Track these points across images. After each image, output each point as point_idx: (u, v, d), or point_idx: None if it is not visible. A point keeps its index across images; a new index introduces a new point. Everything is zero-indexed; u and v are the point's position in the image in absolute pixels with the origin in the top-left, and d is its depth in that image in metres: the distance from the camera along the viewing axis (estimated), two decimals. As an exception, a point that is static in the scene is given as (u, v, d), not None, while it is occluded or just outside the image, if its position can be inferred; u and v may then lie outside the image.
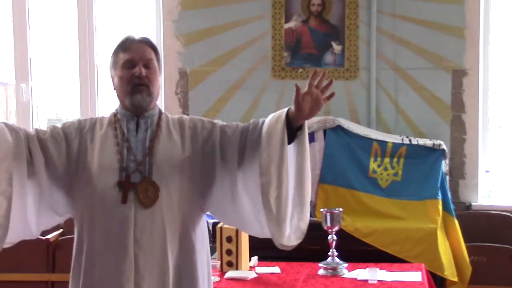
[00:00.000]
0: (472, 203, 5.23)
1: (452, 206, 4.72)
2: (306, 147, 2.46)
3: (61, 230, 5.08)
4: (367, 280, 3.61)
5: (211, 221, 4.03)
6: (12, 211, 2.38)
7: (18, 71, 5.61)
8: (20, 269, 4.85)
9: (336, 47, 5.31)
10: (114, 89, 2.58)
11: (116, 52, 2.56)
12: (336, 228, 3.84)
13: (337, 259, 3.81)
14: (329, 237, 3.82)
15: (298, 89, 2.40)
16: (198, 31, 5.43)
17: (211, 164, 2.52)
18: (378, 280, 3.61)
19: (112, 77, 2.59)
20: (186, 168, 2.51)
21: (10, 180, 2.37)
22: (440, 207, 4.62)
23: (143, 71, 2.50)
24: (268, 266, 3.90)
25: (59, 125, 2.57)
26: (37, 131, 2.52)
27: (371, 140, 4.90)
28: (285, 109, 2.46)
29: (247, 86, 5.39)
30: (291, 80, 5.29)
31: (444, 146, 4.82)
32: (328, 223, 3.82)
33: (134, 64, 2.51)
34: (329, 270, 3.77)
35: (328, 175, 4.85)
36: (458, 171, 5.23)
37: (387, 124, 5.26)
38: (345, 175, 4.84)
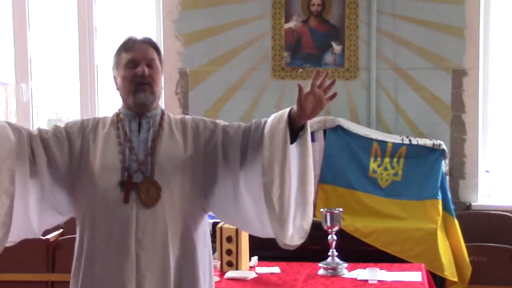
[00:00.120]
0: (472, 203, 5.23)
1: (452, 206, 4.72)
2: (308, 147, 2.46)
3: (61, 230, 5.07)
4: (367, 280, 3.61)
5: (211, 221, 4.02)
6: (15, 209, 2.38)
7: (18, 71, 5.60)
8: (20, 269, 4.84)
9: (336, 47, 5.30)
10: (117, 89, 2.58)
11: (118, 53, 2.57)
12: (336, 228, 3.84)
13: (337, 259, 3.81)
14: (329, 237, 3.82)
15: (300, 89, 2.40)
16: (198, 31, 5.43)
17: (213, 164, 2.52)
18: (378, 280, 3.61)
19: (114, 78, 2.59)
20: (188, 168, 2.51)
21: (13, 179, 2.37)
22: (440, 207, 4.62)
23: (146, 70, 2.50)
24: (268, 266, 3.90)
25: (62, 124, 2.58)
26: (39, 130, 2.53)
27: (371, 140, 4.89)
28: (287, 109, 2.46)
29: (247, 86, 5.39)
30: (291, 80, 5.29)
31: (444, 146, 4.82)
32: (328, 223, 3.82)
33: (137, 64, 2.51)
34: (329, 270, 3.77)
35: (328, 175, 4.85)
36: (458, 171, 5.23)
37: (387, 124, 5.26)
38: (345, 175, 4.84)
